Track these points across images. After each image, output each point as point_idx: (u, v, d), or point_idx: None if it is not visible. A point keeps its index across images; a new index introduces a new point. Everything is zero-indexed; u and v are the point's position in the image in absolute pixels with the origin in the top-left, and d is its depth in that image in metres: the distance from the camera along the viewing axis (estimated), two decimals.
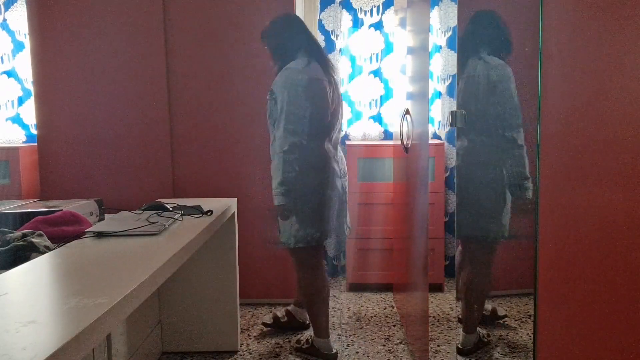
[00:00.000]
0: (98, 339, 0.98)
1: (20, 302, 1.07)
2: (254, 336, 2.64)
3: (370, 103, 3.56)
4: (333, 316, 2.87)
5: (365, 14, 3.52)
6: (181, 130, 2.95)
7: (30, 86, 3.42)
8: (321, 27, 3.48)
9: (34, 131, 3.42)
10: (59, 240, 1.60)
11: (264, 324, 2.69)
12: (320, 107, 2.24)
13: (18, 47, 3.47)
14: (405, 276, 2.73)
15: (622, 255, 0.91)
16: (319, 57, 2.32)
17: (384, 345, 2.52)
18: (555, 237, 1.12)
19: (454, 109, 1.89)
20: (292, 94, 2.16)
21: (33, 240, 1.50)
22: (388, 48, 3.53)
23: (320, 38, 3.46)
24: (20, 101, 3.50)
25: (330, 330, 2.63)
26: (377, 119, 3.56)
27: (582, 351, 1.05)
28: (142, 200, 2.45)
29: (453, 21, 3.46)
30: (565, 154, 1.07)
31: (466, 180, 2.16)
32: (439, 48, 3.52)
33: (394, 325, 2.77)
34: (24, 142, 3.50)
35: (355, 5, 3.51)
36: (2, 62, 3.47)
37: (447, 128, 3.55)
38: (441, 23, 3.50)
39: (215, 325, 2.45)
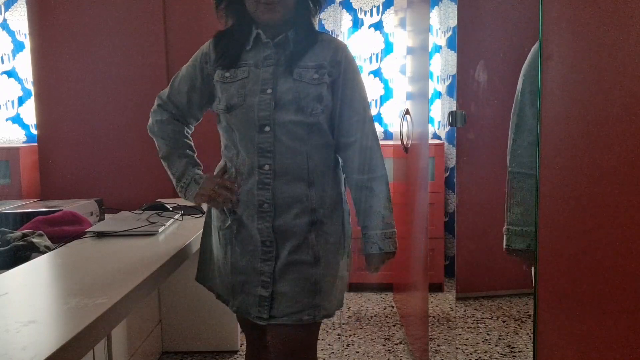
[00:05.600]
0: (98, 339, 0.98)
1: (20, 302, 1.07)
2: None
3: (370, 103, 3.56)
4: (334, 316, 2.87)
5: (365, 14, 3.52)
6: None
7: (30, 86, 3.42)
8: (321, 27, 3.48)
9: (34, 131, 3.42)
10: (59, 240, 1.60)
11: None
12: None
13: (18, 47, 3.47)
14: (405, 276, 2.73)
15: (623, 255, 0.91)
16: None
17: (384, 345, 2.52)
18: (555, 237, 1.12)
19: (454, 109, 1.89)
20: None
21: (33, 240, 1.50)
22: (388, 48, 3.53)
23: None
24: (20, 101, 3.50)
25: (330, 331, 2.63)
26: (377, 119, 3.56)
27: (582, 351, 1.05)
28: (142, 200, 2.45)
29: (453, 21, 3.46)
30: (565, 154, 1.07)
31: None
32: (439, 48, 3.52)
33: (394, 325, 2.77)
34: (24, 142, 3.50)
35: (355, 6, 3.51)
36: (2, 62, 3.47)
37: (447, 128, 3.55)
38: (441, 23, 3.50)
39: (215, 325, 2.45)
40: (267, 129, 1.34)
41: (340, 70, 1.40)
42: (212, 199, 1.41)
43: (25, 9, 3.21)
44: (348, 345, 2.54)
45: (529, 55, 1.57)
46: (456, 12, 3.36)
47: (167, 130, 1.50)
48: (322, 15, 3.48)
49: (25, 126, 3.52)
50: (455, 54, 3.45)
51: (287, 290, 1.37)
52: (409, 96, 2.58)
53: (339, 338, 2.61)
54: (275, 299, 1.37)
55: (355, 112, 1.42)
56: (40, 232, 1.59)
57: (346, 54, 1.43)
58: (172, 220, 1.87)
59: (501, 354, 2.37)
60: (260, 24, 1.37)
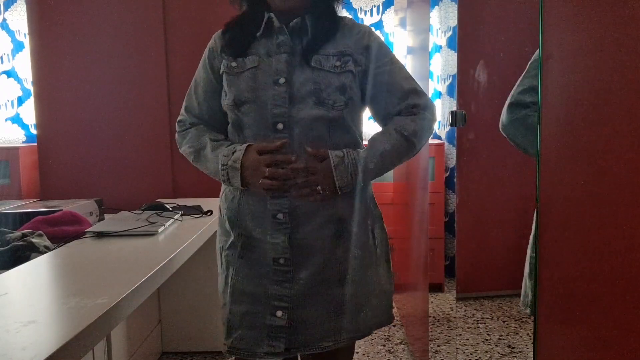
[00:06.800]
0: (98, 339, 0.98)
1: (20, 302, 1.07)
2: None
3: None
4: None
5: (365, 14, 3.52)
6: None
7: (30, 86, 3.42)
8: None
9: (34, 131, 3.41)
10: (59, 240, 1.60)
11: None
12: None
13: (18, 47, 3.47)
14: (405, 276, 2.73)
15: (623, 256, 0.91)
16: None
17: (384, 345, 2.52)
18: (555, 237, 1.12)
19: (454, 109, 1.89)
20: None
21: (33, 240, 1.50)
22: None
23: None
24: (20, 101, 3.50)
25: None
26: None
27: (582, 352, 1.05)
28: (142, 200, 2.45)
29: (453, 21, 3.46)
30: (565, 154, 1.07)
31: None
32: (439, 48, 3.52)
33: (394, 325, 2.77)
34: (24, 142, 3.50)
35: (355, 5, 3.51)
36: (2, 62, 3.47)
37: (447, 128, 3.55)
38: (441, 23, 3.50)
39: (215, 325, 2.45)
40: (280, 126, 1.16)
41: (370, 57, 1.23)
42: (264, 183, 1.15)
43: (25, 8, 3.21)
44: None
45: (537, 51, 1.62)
46: (456, 12, 3.36)
47: (189, 134, 1.39)
48: None
49: (25, 126, 3.52)
50: (455, 54, 3.45)
51: (310, 316, 1.18)
52: None
53: None
54: (295, 327, 1.18)
55: (400, 98, 1.25)
56: (40, 232, 1.59)
57: (374, 37, 1.25)
58: (172, 220, 1.87)
59: (501, 354, 2.37)
60: (275, 10, 1.21)
